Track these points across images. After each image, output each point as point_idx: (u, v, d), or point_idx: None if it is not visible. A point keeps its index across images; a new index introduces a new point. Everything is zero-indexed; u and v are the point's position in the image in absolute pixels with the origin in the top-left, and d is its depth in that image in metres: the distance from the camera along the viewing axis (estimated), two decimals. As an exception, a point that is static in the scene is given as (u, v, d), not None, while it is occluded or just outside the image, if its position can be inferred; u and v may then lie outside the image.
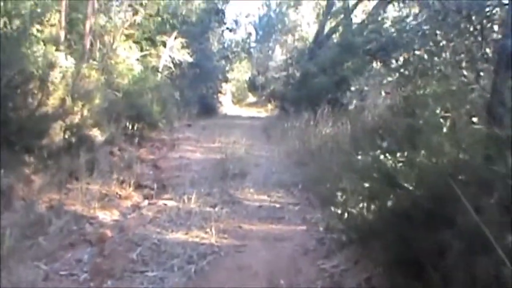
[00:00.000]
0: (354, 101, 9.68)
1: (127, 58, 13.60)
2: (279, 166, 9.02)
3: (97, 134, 9.29)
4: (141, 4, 14.00)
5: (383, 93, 8.43)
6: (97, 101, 9.51)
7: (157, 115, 12.91)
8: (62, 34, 10.95)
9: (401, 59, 7.46)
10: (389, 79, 7.68)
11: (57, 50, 8.32)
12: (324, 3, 25.97)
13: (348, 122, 8.83)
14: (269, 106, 31.79)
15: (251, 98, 38.34)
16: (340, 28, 20.37)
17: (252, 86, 38.21)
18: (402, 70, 7.15)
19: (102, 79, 11.37)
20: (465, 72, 5.34)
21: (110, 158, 9.39)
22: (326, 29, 21.83)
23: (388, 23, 17.28)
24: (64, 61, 8.17)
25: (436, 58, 6.21)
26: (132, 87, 12.40)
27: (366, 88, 9.86)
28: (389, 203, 3.62)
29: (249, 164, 8.87)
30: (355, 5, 20.40)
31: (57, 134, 7.59)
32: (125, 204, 6.70)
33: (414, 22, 8.18)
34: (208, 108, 22.04)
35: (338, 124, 9.41)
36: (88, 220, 5.81)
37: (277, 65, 34.19)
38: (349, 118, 8.83)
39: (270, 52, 37.69)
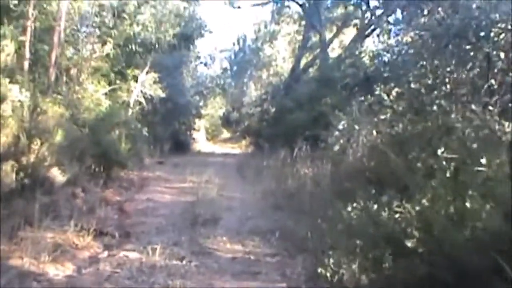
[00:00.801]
0: (335, 139, 9.15)
1: (95, 92, 12.93)
2: (254, 209, 8.34)
3: (57, 174, 8.56)
4: (109, 35, 13.40)
5: (368, 132, 7.92)
6: (58, 138, 8.80)
7: (126, 152, 12.21)
8: (26, 65, 10.35)
9: (394, 93, 6.96)
10: (382, 117, 7.13)
11: (11, 82, 7.60)
12: (300, 37, 25.93)
13: (329, 163, 8.26)
14: (244, 142, 31.32)
15: (226, 134, 37.85)
16: (317, 62, 20.19)
17: (227, 122, 37.74)
18: (393, 105, 6.63)
19: (67, 114, 10.70)
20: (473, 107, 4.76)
21: (71, 200, 8.63)
22: (302, 63, 21.65)
23: (366, 57, 17.16)
24: (18, 94, 7.44)
25: (435, 92, 5.70)
26: (99, 122, 11.71)
27: (346, 125, 9.40)
28: (394, 270, 2.99)
29: (222, 208, 8.19)
30: (332, 39, 20.28)
31: (8, 175, 6.84)
32: (82, 256, 5.93)
33: (411, 51, 7.69)
34: (181, 145, 21.40)
35: (317, 163, 8.84)
36: (36, 277, 5.02)
37: (252, 101, 33.87)
38: (330, 158, 8.26)
39: (244, 87, 37.41)
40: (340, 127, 9.66)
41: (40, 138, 8.26)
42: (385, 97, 7.06)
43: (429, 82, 5.98)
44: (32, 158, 7.85)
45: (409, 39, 8.83)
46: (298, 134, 11.83)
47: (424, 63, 6.38)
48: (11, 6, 10.56)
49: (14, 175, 6.91)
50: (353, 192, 5.13)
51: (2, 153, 6.76)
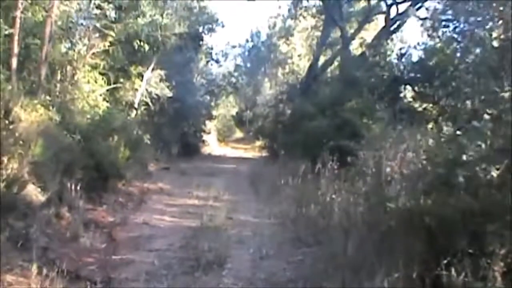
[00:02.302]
0: (366, 155, 7.61)
1: (91, 92, 11.51)
2: (271, 243, 6.78)
3: (35, 193, 7.21)
4: (110, 28, 11.94)
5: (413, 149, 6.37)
6: (37, 149, 7.41)
7: (125, 162, 10.79)
8: (14, 61, 9.03)
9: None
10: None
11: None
12: (317, 34, 24.34)
13: (362, 187, 6.71)
14: (257, 143, 29.77)
15: (238, 134, 36.41)
16: (338, 60, 18.62)
17: (239, 121, 36.28)
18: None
19: (57, 118, 9.33)
20: None
21: (53, 224, 7.22)
22: (321, 61, 20.07)
23: (393, 55, 15.60)
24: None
25: None
26: (94, 128, 10.31)
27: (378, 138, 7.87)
28: None
29: (230, 241, 6.67)
30: (353, 35, 18.67)
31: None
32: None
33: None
34: (189, 148, 19.96)
35: (346, 185, 7.31)
36: None
37: (266, 100, 32.38)
38: (364, 184, 6.70)
39: (258, 85, 35.94)
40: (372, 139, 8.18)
41: (17, 150, 6.95)
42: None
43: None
44: (3, 174, 6.52)
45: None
46: (319, 144, 10.32)
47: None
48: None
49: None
50: (405, 251, 3.71)
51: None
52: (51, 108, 9.46)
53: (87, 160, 9.24)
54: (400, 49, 15.44)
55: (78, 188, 8.24)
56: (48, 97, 9.83)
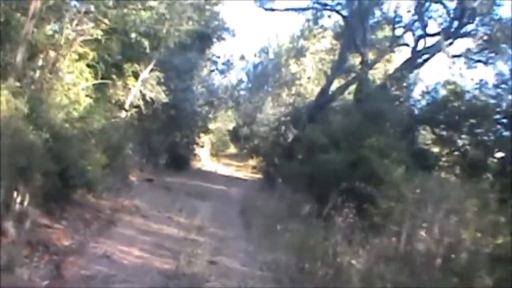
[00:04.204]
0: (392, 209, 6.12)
1: (73, 86, 9.92)
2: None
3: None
4: (105, 14, 10.37)
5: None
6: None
7: (99, 170, 9.13)
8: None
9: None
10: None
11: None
12: (330, 57, 22.89)
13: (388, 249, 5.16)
14: (250, 162, 28.21)
15: (232, 150, 34.82)
16: (353, 88, 17.12)
17: (235, 137, 34.67)
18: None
19: (23, 109, 7.73)
20: None
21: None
22: (334, 86, 18.54)
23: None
24: None
25: None
26: (69, 126, 8.68)
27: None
28: None
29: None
30: (373, 63, 17.21)
31: None
32: None
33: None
34: (179, 160, 18.35)
35: (366, 244, 5.75)
36: None
37: (267, 120, 30.86)
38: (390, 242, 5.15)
39: (260, 103, 34.39)
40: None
41: None
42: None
43: None
44: None
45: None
46: (330, 181, 8.81)
47: None
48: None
49: None
50: None
51: None
52: (20, 96, 7.85)
53: (52, 164, 7.63)
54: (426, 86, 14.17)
55: (34, 197, 6.69)
56: (18, 83, 8.23)
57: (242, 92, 31.57)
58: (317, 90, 24.30)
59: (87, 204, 8.66)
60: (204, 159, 24.19)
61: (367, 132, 10.06)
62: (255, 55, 34.74)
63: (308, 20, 22.52)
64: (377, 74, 18.66)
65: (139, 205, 9.85)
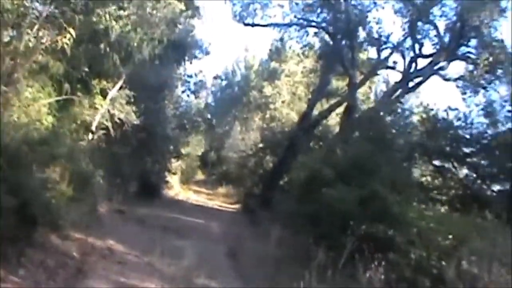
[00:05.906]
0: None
1: (33, 101, 8.24)
2: None
3: None
4: (71, 20, 8.76)
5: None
6: None
7: (65, 202, 7.48)
8: None
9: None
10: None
11: None
12: (306, 79, 21.71)
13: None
14: (221, 190, 26.69)
15: (200, 176, 33.16)
16: (338, 112, 15.96)
17: (203, 162, 33.04)
18: None
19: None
20: None
21: None
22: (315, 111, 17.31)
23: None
24: None
25: None
26: (29, 150, 7.02)
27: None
28: None
29: None
30: (358, 86, 16.05)
31: None
32: None
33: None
34: (150, 188, 16.60)
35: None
36: None
37: (235, 144, 29.45)
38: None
39: (228, 128, 32.96)
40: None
41: None
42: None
43: None
44: None
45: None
46: (339, 223, 7.43)
47: None
48: None
49: None
50: None
51: None
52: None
53: (8, 197, 5.98)
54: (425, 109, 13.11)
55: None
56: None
57: (209, 116, 30.01)
58: (292, 114, 23.09)
59: (51, 246, 6.96)
60: (175, 187, 22.43)
61: (376, 163, 8.69)
62: (220, 79, 33.41)
63: (281, 39, 21.28)
64: (360, 97, 17.62)
65: (113, 246, 8.12)
